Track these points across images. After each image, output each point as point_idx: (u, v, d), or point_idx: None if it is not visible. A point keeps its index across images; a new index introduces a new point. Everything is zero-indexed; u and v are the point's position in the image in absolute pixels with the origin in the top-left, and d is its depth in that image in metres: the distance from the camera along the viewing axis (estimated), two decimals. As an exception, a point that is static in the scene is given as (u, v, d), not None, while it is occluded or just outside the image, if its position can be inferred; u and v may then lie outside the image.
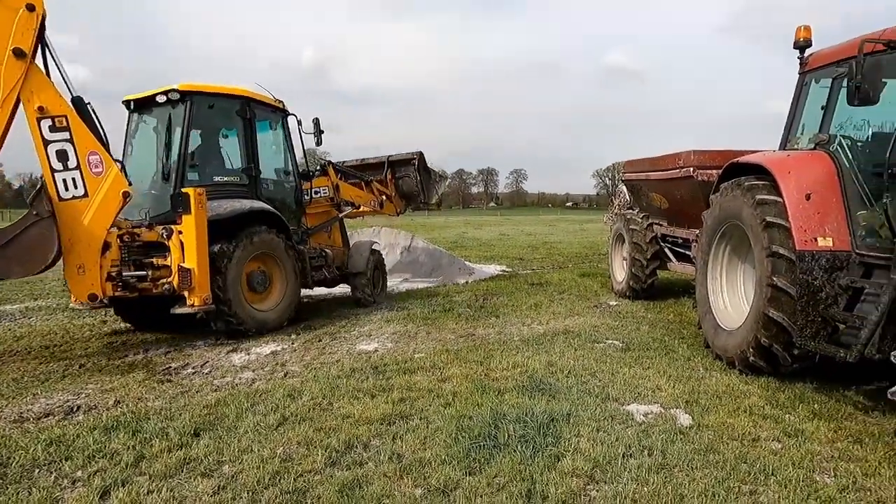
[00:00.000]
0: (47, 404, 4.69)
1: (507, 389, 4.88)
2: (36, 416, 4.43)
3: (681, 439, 3.95)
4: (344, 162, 10.88)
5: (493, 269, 14.05)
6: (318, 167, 9.38)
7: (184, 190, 6.38)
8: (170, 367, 5.82)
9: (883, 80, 4.47)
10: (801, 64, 5.70)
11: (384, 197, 10.35)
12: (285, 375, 5.46)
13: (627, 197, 10.90)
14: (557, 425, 4.07)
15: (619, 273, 9.94)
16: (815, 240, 4.78)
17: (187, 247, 6.32)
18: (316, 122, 8.41)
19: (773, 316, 4.89)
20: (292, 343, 6.72)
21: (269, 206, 7.34)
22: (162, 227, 6.49)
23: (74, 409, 4.55)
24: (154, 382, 5.26)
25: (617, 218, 10.41)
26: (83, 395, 4.90)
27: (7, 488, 3.27)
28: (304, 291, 8.48)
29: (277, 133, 8.29)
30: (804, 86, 5.68)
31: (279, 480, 3.34)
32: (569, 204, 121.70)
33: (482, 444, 3.75)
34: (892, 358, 3.57)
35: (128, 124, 7.42)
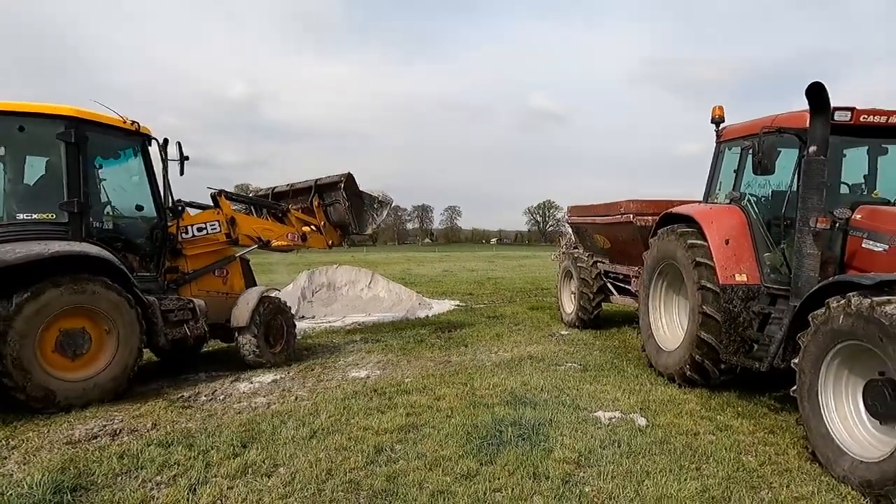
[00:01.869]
0: (87, 429, 5.17)
1: (495, 403, 5.81)
2: (85, 438, 4.93)
3: (640, 435, 4.99)
4: (274, 188, 9.86)
5: (448, 304, 14.99)
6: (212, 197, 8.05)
7: None
8: (182, 395, 6.34)
9: (778, 150, 5.84)
10: (717, 135, 7.11)
11: (311, 228, 9.05)
12: (296, 399, 6.14)
13: (573, 238, 12.19)
14: (544, 428, 5.02)
15: (569, 305, 11.14)
16: (734, 276, 6.06)
17: None
18: (178, 147, 7.04)
19: (704, 337, 6.10)
20: (289, 372, 7.36)
21: (94, 249, 6.06)
22: None
23: (118, 432, 5.08)
24: (178, 408, 5.82)
25: (565, 256, 11.67)
26: (117, 421, 5.40)
27: (102, 490, 3.85)
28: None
29: (132, 160, 7.03)
30: (720, 153, 7.08)
31: (333, 475, 4.10)
32: (493, 240, 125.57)
33: (489, 442, 4.66)
34: (792, 365, 4.76)
35: None
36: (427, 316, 12.68)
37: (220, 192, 8.04)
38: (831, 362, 4.38)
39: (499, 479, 4.06)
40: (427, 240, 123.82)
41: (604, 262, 10.55)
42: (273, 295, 8.27)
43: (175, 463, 4.30)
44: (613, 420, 5.39)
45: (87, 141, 6.34)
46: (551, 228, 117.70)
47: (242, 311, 7.51)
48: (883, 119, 5.55)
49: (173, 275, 7.31)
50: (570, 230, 12.40)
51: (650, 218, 8.39)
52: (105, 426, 5.25)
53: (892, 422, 3.95)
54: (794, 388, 4.68)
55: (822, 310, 4.41)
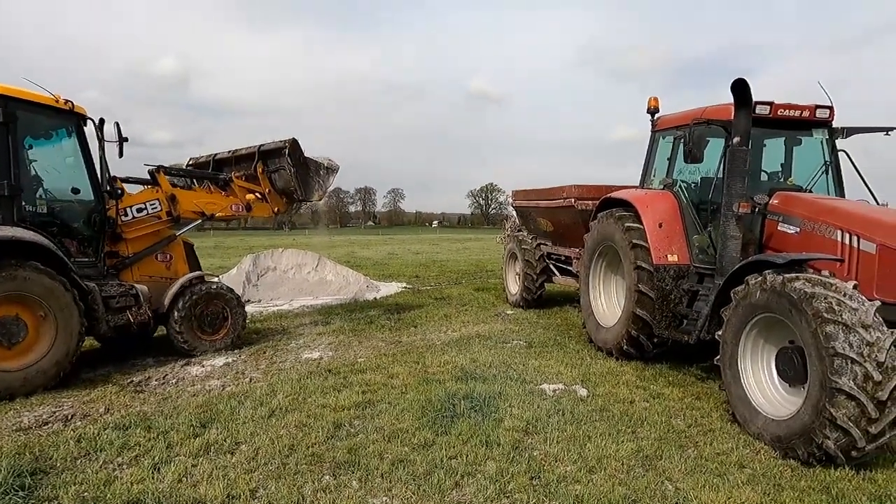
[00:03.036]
0: (36, 416, 5.09)
1: (447, 379, 6.08)
2: (35, 424, 4.87)
3: (582, 404, 5.39)
4: (216, 155, 9.47)
5: (396, 286, 15.17)
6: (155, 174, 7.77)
7: None
8: (132, 380, 6.30)
9: (707, 140, 6.31)
10: (652, 125, 7.57)
11: (255, 196, 8.78)
12: (250, 381, 6.22)
13: (517, 221, 12.57)
14: (494, 400, 5.34)
15: (513, 286, 11.56)
16: (666, 256, 6.55)
17: None
18: (117, 127, 6.80)
19: (639, 313, 6.58)
20: (240, 356, 7.39)
21: (28, 234, 5.87)
22: None
23: (70, 417, 5.04)
24: (130, 393, 5.79)
25: (510, 239, 12.05)
26: (67, 406, 5.35)
27: (63, 473, 3.87)
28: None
29: (67, 141, 6.78)
30: (655, 141, 7.55)
31: (296, 450, 4.27)
32: (434, 223, 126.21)
33: (444, 414, 4.92)
34: (716, 336, 5.25)
35: None
36: (375, 298, 12.82)
37: (159, 168, 7.79)
38: (749, 333, 4.88)
39: (454, 447, 4.34)
40: (370, 222, 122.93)
41: (547, 245, 10.98)
42: (210, 280, 8.06)
43: (135, 444, 4.35)
44: (557, 391, 5.77)
45: (16, 120, 6.07)
46: (494, 211, 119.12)
47: (166, 299, 7.37)
48: (797, 113, 6.11)
49: (113, 259, 7.12)
50: (514, 213, 12.77)
51: (590, 202, 8.83)
52: (55, 412, 5.19)
53: (798, 384, 4.47)
54: (718, 357, 5.17)
55: (742, 286, 4.89)
